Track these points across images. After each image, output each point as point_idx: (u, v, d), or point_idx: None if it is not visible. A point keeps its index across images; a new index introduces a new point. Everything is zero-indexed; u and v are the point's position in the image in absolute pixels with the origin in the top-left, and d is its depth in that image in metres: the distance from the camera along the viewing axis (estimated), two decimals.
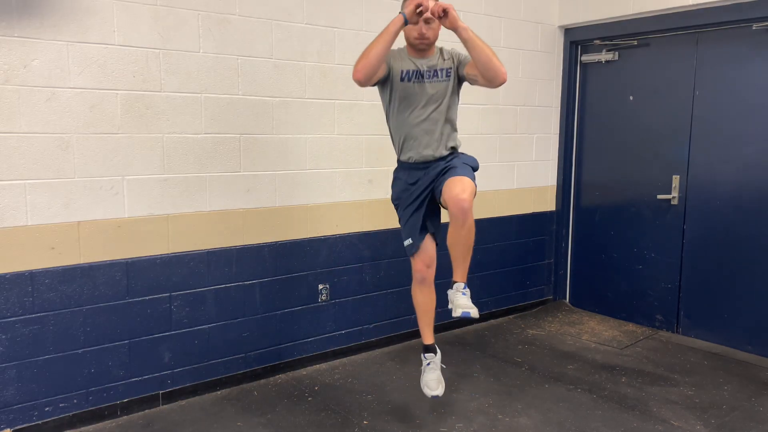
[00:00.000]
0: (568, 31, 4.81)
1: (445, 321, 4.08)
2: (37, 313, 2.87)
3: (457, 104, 2.97)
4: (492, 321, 4.69)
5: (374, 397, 3.36)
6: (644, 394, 3.43)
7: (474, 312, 2.76)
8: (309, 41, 3.54)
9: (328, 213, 3.74)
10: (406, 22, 2.72)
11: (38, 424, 2.92)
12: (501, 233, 4.67)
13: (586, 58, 4.80)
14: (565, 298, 5.13)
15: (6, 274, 2.78)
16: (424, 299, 3.06)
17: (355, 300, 3.93)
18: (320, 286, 3.76)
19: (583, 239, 4.97)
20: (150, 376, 3.22)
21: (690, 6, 4.00)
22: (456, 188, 2.70)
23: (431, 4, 2.72)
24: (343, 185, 3.78)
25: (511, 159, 4.65)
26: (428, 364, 3.04)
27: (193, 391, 3.36)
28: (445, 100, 2.88)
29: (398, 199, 3.05)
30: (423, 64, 2.86)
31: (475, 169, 2.94)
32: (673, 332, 4.44)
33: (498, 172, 4.58)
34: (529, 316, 4.83)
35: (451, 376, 3.61)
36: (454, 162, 2.89)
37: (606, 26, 4.54)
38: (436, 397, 2.97)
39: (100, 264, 3.01)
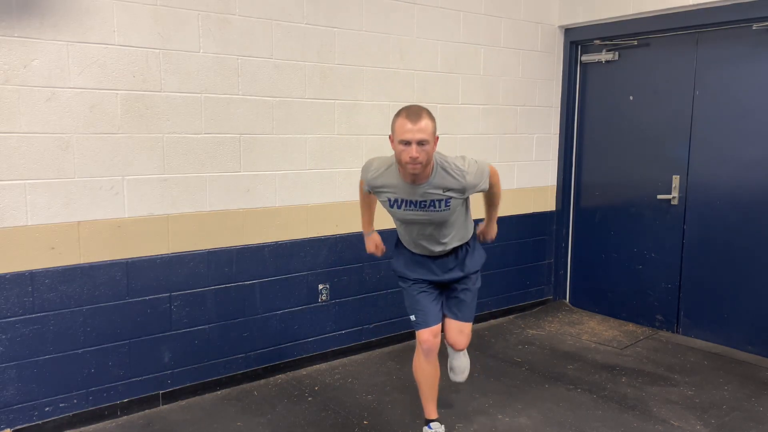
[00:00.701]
0: (568, 31, 4.81)
1: None
2: (37, 313, 2.87)
3: (466, 206, 2.77)
4: (492, 321, 4.69)
5: (374, 397, 3.36)
6: (644, 394, 3.43)
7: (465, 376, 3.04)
8: (309, 41, 3.54)
9: (328, 213, 3.74)
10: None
11: (38, 424, 2.93)
12: (501, 233, 4.63)
13: (586, 58, 4.80)
14: (565, 298, 5.12)
15: (6, 274, 2.78)
16: (427, 373, 2.79)
17: (355, 300, 3.93)
18: (320, 286, 3.76)
19: (583, 239, 4.97)
20: (150, 376, 3.22)
21: (690, 6, 4.00)
22: (453, 335, 2.83)
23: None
24: (343, 185, 3.78)
25: (511, 159, 4.65)
26: None
27: (193, 391, 3.36)
28: (449, 220, 2.64)
29: (404, 275, 2.85)
30: (416, 194, 2.53)
31: (480, 270, 2.91)
32: (673, 332, 4.44)
33: (498, 172, 4.57)
34: (529, 316, 4.82)
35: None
36: (465, 287, 2.82)
37: (606, 26, 4.54)
38: None
39: (100, 264, 3.01)
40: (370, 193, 2.81)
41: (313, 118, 3.61)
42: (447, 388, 3.47)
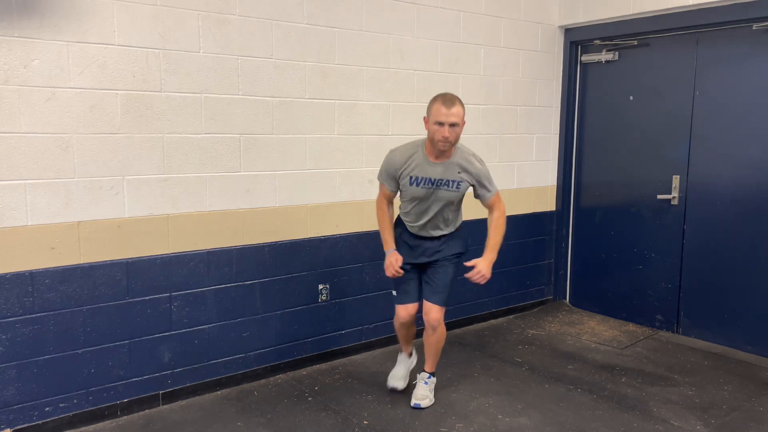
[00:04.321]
0: (568, 31, 4.81)
1: (445, 321, 4.07)
2: (37, 313, 2.87)
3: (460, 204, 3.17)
4: (492, 321, 4.69)
5: (374, 397, 3.36)
6: (644, 394, 3.43)
7: (425, 403, 3.22)
8: (309, 41, 3.54)
9: (328, 213, 3.74)
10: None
11: (38, 424, 2.93)
12: None
13: (586, 58, 4.80)
14: (565, 298, 5.13)
15: (6, 274, 2.78)
16: (405, 332, 3.37)
17: (355, 300, 3.93)
18: (320, 286, 3.76)
19: (583, 239, 4.97)
20: (150, 376, 3.22)
21: (690, 6, 4.00)
22: (432, 311, 3.15)
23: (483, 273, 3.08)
24: (343, 185, 3.78)
25: (511, 159, 4.66)
26: (401, 362, 3.47)
27: (193, 391, 3.36)
28: (453, 203, 3.08)
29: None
30: (436, 172, 2.98)
31: (463, 254, 3.21)
32: (673, 332, 4.44)
33: (498, 172, 4.57)
34: (529, 316, 4.83)
35: (451, 376, 3.61)
36: (444, 270, 3.14)
37: (606, 26, 4.54)
38: (395, 388, 3.37)
39: (100, 264, 3.01)
40: (391, 201, 3.16)
41: (313, 118, 3.61)
42: (447, 387, 3.47)
